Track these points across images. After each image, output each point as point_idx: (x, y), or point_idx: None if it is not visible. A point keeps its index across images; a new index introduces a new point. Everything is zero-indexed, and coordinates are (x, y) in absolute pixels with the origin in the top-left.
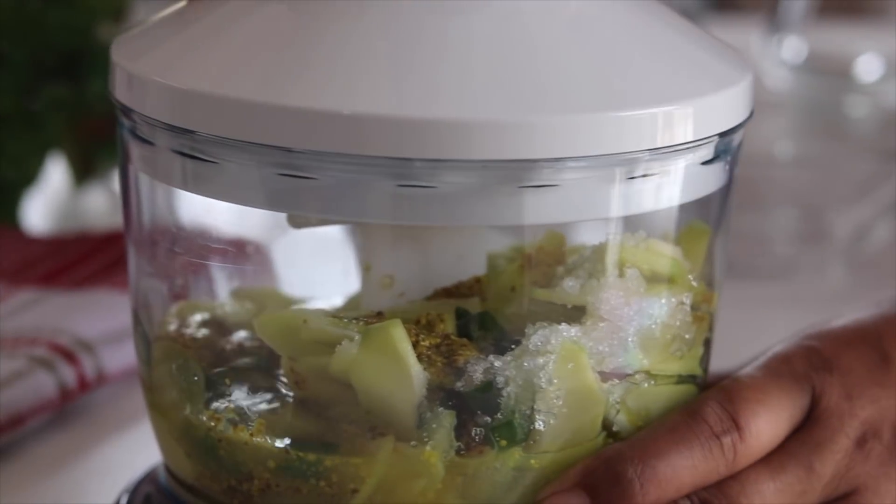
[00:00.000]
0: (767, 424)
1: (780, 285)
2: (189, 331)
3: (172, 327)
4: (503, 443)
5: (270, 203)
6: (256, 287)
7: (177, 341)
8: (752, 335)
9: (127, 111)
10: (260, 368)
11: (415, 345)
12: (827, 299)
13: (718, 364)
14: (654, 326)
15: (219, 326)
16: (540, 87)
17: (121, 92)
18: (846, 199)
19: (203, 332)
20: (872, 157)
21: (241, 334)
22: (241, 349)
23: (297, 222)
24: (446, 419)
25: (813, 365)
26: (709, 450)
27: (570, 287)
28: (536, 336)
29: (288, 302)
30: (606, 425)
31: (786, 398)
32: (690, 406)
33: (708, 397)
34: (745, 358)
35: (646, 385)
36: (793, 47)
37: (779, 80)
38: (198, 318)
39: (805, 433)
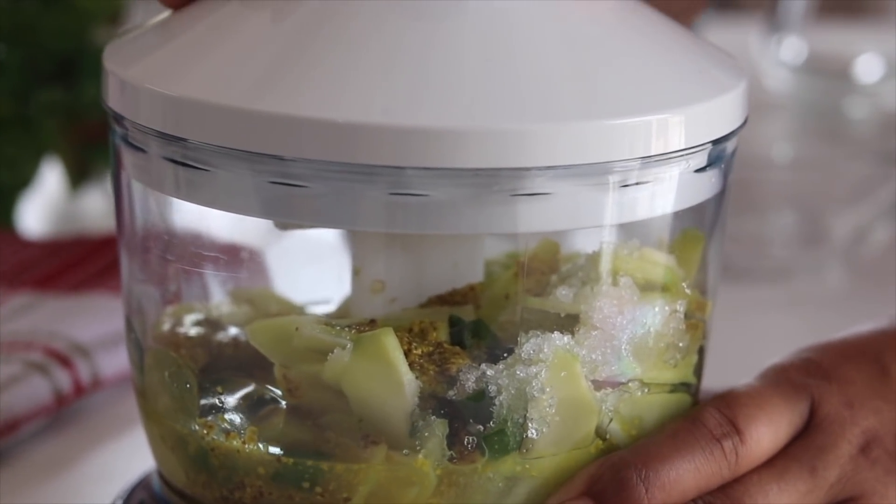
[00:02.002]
0: (767, 428)
1: (779, 287)
2: (182, 329)
3: (166, 327)
4: (496, 451)
5: (263, 211)
6: (253, 288)
7: (170, 342)
8: (751, 337)
9: (119, 118)
10: (252, 376)
11: (407, 353)
12: (826, 301)
13: (717, 368)
14: (647, 335)
15: (213, 329)
16: (532, 95)
17: (113, 99)
18: (845, 201)
19: (196, 330)
20: (871, 159)
21: (234, 339)
22: (233, 355)
23: (282, 224)
24: (439, 427)
25: (811, 374)
26: (710, 453)
27: (563, 295)
28: (529, 344)
29: (284, 303)
30: (599, 434)
31: (784, 404)
32: (690, 413)
33: (707, 404)
34: (743, 362)
35: (639, 393)
36: (792, 48)
37: (778, 80)
38: (192, 318)
39: (807, 438)
